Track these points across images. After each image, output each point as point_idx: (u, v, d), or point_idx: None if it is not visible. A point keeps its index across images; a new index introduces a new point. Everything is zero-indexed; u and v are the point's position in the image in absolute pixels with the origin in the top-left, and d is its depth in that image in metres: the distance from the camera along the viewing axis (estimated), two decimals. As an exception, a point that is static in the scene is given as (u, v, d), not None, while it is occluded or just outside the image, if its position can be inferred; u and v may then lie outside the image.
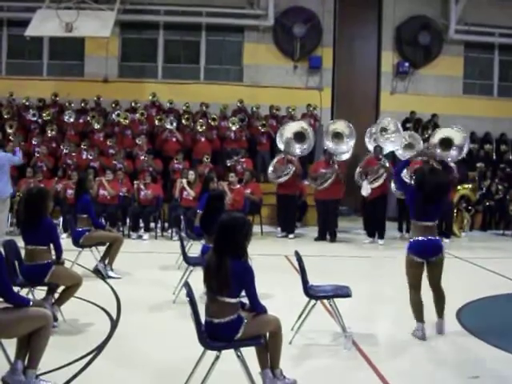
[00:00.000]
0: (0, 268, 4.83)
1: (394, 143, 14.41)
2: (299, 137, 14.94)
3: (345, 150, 14.61)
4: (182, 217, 12.60)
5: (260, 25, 19.64)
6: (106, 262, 9.70)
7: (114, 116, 17.74)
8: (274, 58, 19.86)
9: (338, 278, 7.44)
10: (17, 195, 13.33)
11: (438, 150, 14.06)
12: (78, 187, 10.29)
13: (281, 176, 14.64)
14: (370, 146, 14.86)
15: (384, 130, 14.42)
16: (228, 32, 20.25)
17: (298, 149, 14.91)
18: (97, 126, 17.13)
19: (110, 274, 9.59)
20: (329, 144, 14.50)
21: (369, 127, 15.03)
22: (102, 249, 9.82)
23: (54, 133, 16.75)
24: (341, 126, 14.82)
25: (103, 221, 13.62)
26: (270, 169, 14.93)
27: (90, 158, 15.86)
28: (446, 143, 14.12)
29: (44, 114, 17.43)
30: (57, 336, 6.11)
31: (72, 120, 17.34)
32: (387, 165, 14.00)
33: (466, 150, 14.53)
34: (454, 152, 14.11)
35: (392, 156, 15.24)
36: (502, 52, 20.89)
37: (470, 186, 16.19)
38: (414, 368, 5.98)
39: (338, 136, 14.57)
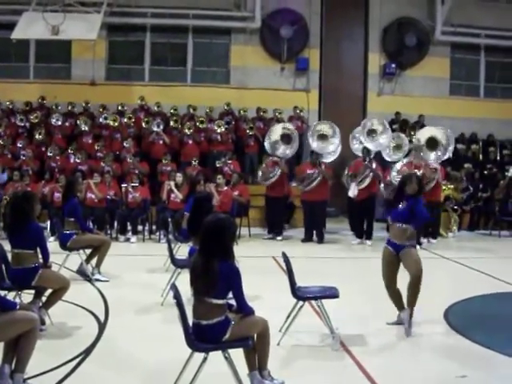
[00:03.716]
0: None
1: (381, 144, 14.49)
2: (286, 139, 14.96)
3: (330, 150, 14.66)
4: (169, 219, 12.59)
5: (247, 27, 19.64)
6: (94, 264, 9.69)
7: (101, 119, 17.70)
8: (261, 59, 19.86)
9: (326, 279, 7.46)
10: (4, 199, 13.29)
11: (425, 151, 14.11)
12: (66, 190, 10.24)
13: (268, 178, 14.68)
14: (356, 146, 15.00)
15: (373, 131, 14.49)
16: (215, 34, 20.22)
17: (282, 150, 14.92)
18: (84, 128, 17.08)
19: (98, 276, 9.57)
20: (314, 145, 14.57)
21: (354, 129, 15.13)
22: (89, 251, 9.80)
23: (41, 137, 16.70)
24: (325, 127, 14.86)
25: (91, 224, 13.64)
26: (259, 173, 15.00)
27: (78, 161, 15.82)
28: (433, 143, 14.19)
29: (32, 117, 17.37)
30: (44, 339, 6.11)
31: (59, 123, 17.29)
32: (373, 165, 14.06)
33: (451, 149, 14.68)
34: (439, 152, 14.21)
35: (380, 158, 15.26)
36: (487, 53, 20.99)
37: (453, 186, 16.24)
38: (401, 367, 6.01)
39: (322, 137, 14.63)
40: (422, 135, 14.53)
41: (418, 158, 14.06)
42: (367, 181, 13.99)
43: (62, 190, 11.37)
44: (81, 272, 9.64)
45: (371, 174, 13.93)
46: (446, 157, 14.61)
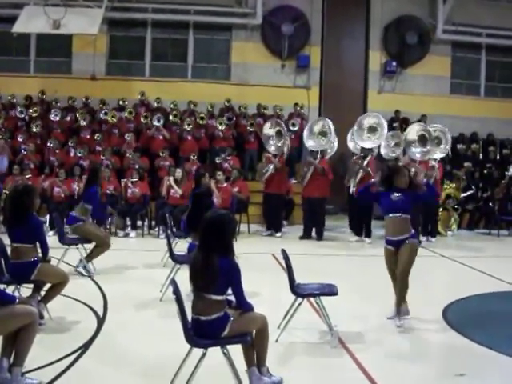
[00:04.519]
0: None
1: (376, 141, 14.48)
2: (279, 134, 14.97)
3: (325, 146, 14.62)
4: (167, 215, 12.50)
5: (248, 23, 19.62)
6: (84, 255, 9.71)
7: (101, 115, 17.67)
8: (261, 56, 19.84)
9: (325, 277, 7.46)
10: (3, 192, 13.28)
11: (418, 148, 14.06)
12: (89, 178, 10.35)
13: (262, 174, 14.70)
14: (351, 144, 15.01)
15: (374, 129, 14.45)
16: (216, 30, 20.20)
17: (272, 146, 14.97)
18: (83, 123, 17.07)
19: (81, 270, 9.55)
20: (309, 143, 14.59)
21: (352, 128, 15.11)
22: (89, 246, 9.81)
23: (38, 129, 16.66)
24: (319, 126, 14.83)
25: (90, 218, 13.65)
26: (257, 170, 15.04)
27: (79, 155, 15.78)
28: (424, 140, 14.12)
29: (31, 111, 17.34)
30: (43, 334, 6.10)
31: (58, 118, 17.24)
32: (365, 162, 13.99)
33: (444, 147, 14.66)
34: (426, 149, 14.11)
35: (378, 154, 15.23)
36: (488, 52, 21.00)
37: (455, 184, 16.25)
38: (400, 365, 6.01)
39: (323, 134, 14.61)
40: (413, 131, 14.42)
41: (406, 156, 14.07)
42: (358, 176, 13.95)
43: (86, 177, 11.40)
44: (81, 269, 9.67)
45: (360, 170, 13.91)
46: (435, 155, 14.49)
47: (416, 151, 14.05)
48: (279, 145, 14.85)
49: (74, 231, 9.77)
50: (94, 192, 9.93)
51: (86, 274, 9.52)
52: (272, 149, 14.93)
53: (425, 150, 13.97)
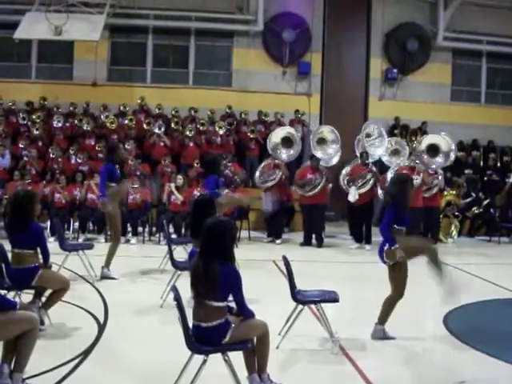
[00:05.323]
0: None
1: (378, 148, 14.50)
2: (286, 142, 14.97)
3: (331, 155, 14.66)
4: (164, 221, 12.39)
5: (249, 30, 19.65)
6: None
7: (103, 117, 17.67)
8: (263, 63, 19.87)
9: (326, 283, 7.46)
10: (4, 198, 13.30)
11: (425, 157, 14.12)
12: (107, 154, 10.68)
13: (267, 181, 14.67)
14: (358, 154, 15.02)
15: (368, 135, 14.54)
16: (217, 37, 20.23)
17: (284, 154, 14.95)
18: (86, 127, 17.07)
19: (109, 273, 9.82)
20: (316, 149, 14.56)
21: (357, 134, 15.12)
22: (89, 252, 9.79)
23: (38, 133, 16.66)
24: (325, 131, 14.88)
25: (91, 225, 13.72)
26: (257, 174, 14.96)
27: (79, 161, 15.80)
28: (433, 150, 14.19)
29: (34, 116, 17.32)
30: (44, 340, 6.09)
31: (60, 125, 17.23)
32: (374, 169, 14.07)
33: (453, 156, 14.62)
34: (440, 159, 14.19)
35: (379, 162, 15.27)
36: (489, 59, 21.04)
37: (455, 192, 16.26)
38: (400, 373, 6.00)
39: (322, 142, 14.64)
40: (424, 141, 14.51)
41: (418, 163, 14.07)
42: (369, 185, 13.97)
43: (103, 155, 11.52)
44: (105, 276, 9.79)
45: (373, 178, 13.93)
46: (446, 164, 14.60)
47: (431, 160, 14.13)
48: (292, 153, 14.90)
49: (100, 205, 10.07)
50: (102, 171, 10.16)
51: (112, 275, 9.78)
52: (283, 157, 14.94)
53: (440, 160, 14.12)
